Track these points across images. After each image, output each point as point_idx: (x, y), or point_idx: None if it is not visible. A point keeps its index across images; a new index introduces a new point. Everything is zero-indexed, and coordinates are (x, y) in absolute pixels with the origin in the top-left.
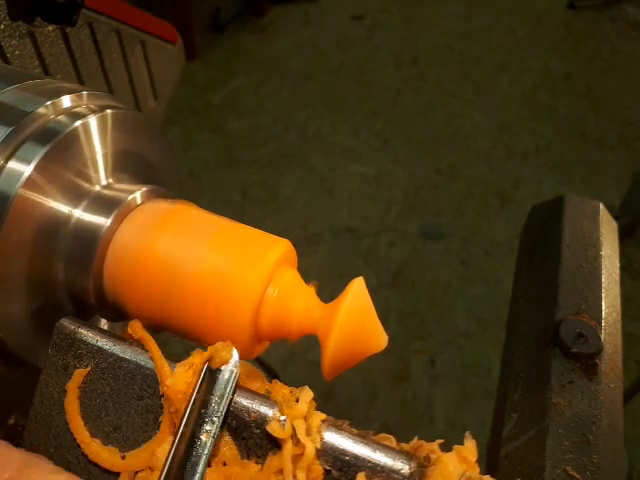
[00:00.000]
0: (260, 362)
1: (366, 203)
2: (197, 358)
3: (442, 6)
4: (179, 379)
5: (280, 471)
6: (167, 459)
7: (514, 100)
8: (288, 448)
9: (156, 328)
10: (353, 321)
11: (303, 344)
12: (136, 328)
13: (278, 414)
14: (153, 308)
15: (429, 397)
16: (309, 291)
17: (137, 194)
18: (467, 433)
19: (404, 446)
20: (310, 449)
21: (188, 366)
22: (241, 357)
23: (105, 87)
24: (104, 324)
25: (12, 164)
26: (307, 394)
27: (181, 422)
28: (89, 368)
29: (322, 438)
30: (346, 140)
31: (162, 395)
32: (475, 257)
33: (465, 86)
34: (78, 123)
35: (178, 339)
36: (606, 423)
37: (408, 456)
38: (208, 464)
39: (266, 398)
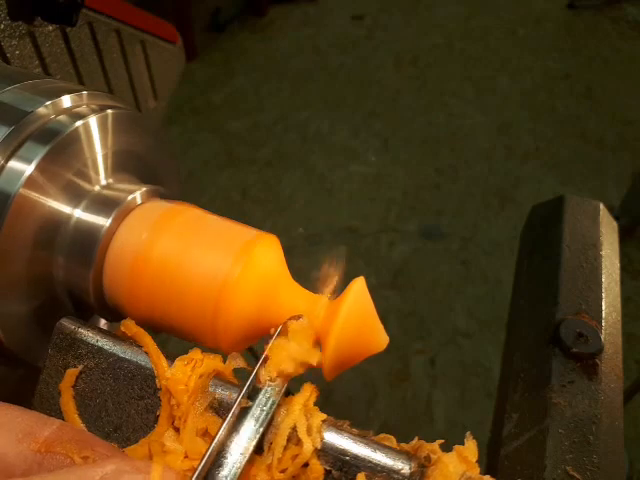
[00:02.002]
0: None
1: (366, 203)
2: (197, 354)
3: (442, 6)
4: (179, 370)
5: (284, 471)
6: (209, 447)
7: (514, 100)
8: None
9: (155, 329)
10: (354, 321)
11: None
12: (129, 325)
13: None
14: (151, 308)
15: (429, 397)
16: (309, 292)
17: (137, 194)
18: (467, 433)
19: (404, 446)
20: (308, 446)
21: (187, 361)
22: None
23: (105, 87)
24: (104, 324)
25: (13, 163)
26: None
27: (230, 413)
28: (80, 367)
29: (322, 438)
30: (346, 140)
31: (159, 389)
32: (475, 257)
33: (465, 86)
34: (79, 123)
35: (178, 339)
36: (606, 423)
37: (408, 456)
38: None
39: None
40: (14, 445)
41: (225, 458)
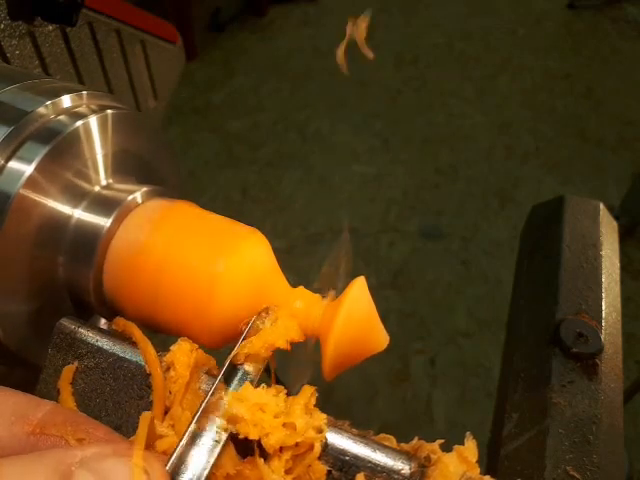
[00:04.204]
0: None
1: (366, 203)
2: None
3: (442, 6)
4: (182, 346)
5: (289, 470)
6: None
7: (514, 100)
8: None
9: (155, 328)
10: (354, 321)
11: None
12: (119, 321)
13: None
14: (150, 307)
15: (429, 397)
16: (308, 291)
17: (137, 194)
18: (467, 433)
19: (404, 446)
20: (317, 446)
21: (189, 342)
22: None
23: (105, 87)
24: (104, 324)
25: (13, 164)
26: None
27: (194, 417)
28: (76, 363)
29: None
30: (346, 140)
31: (148, 374)
32: (475, 257)
33: (465, 86)
34: (79, 123)
35: (177, 339)
36: (606, 423)
37: (408, 456)
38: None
39: None
40: (7, 428)
41: (201, 437)
